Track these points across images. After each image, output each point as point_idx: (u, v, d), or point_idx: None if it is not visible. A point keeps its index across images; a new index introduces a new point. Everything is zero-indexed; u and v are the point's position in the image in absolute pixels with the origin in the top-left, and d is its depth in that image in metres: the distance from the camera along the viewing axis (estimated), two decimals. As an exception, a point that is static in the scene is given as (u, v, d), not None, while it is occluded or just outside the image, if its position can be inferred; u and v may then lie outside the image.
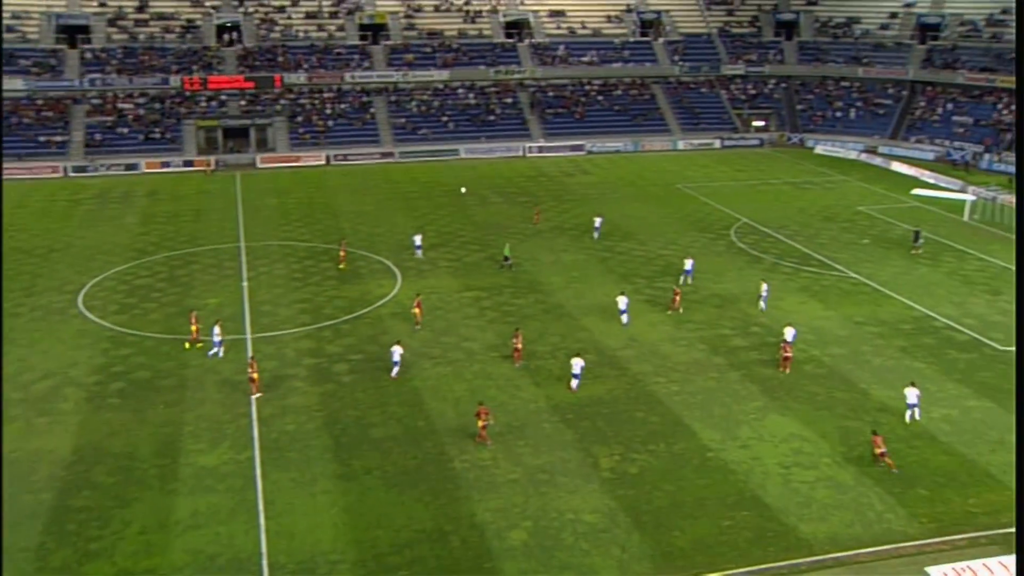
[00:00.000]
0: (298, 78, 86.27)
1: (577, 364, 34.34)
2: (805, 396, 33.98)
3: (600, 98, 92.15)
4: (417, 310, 40.53)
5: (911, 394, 32.37)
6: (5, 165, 71.28)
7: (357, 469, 28.62)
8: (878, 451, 29.03)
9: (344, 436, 30.71)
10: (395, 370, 35.33)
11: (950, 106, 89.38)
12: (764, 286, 43.44)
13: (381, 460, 29.16)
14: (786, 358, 36.39)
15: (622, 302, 41.30)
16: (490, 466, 28.79)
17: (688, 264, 47.18)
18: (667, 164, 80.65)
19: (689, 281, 46.37)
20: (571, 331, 40.19)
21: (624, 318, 41.03)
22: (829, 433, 31.06)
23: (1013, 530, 25.44)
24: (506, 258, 49.34)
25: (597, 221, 56.27)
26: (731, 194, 68.26)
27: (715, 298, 44.65)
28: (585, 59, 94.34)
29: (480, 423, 30.11)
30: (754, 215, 61.10)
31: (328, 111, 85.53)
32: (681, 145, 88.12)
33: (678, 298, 42.84)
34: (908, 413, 32.24)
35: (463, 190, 67.38)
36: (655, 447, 30.06)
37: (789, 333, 37.57)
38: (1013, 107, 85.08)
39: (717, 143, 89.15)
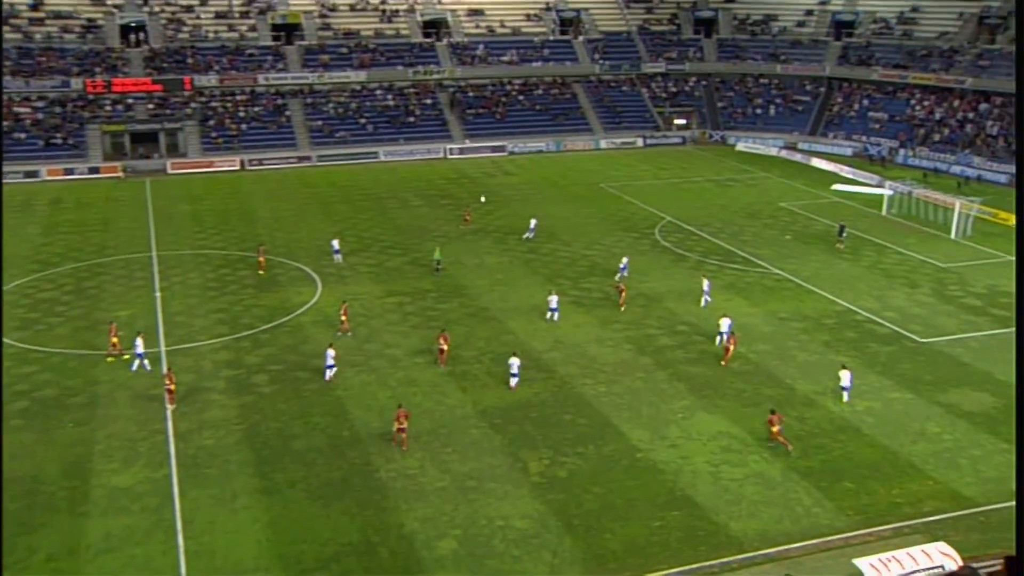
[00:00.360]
0: (209, 80, 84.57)
1: (514, 363, 34.78)
2: (732, 393, 34.66)
3: (521, 98, 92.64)
4: (344, 317, 40.23)
5: (845, 376, 34.22)
6: None
7: (280, 482, 28.18)
8: (774, 429, 30.34)
9: (265, 449, 30.21)
10: (328, 373, 35.21)
11: (866, 102, 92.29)
12: (705, 283, 44.33)
13: (305, 472, 28.77)
14: (727, 349, 37.40)
15: (552, 301, 41.77)
16: (417, 474, 28.66)
17: (623, 261, 48.13)
18: (590, 163, 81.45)
19: (625, 275, 46.99)
20: (497, 334, 40.27)
21: (554, 316, 41.47)
22: (757, 430, 31.72)
23: (936, 518, 26.42)
24: (438, 262, 49.28)
25: (532, 222, 56.62)
26: (655, 193, 69.27)
27: (641, 297, 45.23)
28: (505, 58, 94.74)
29: (396, 426, 30.13)
30: (678, 213, 62.12)
31: (241, 114, 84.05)
32: (603, 144, 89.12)
33: (623, 294, 43.59)
34: (845, 395, 34.00)
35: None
36: (584, 449, 30.30)
37: (725, 324, 38.66)
38: (925, 103, 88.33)
39: (639, 141, 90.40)
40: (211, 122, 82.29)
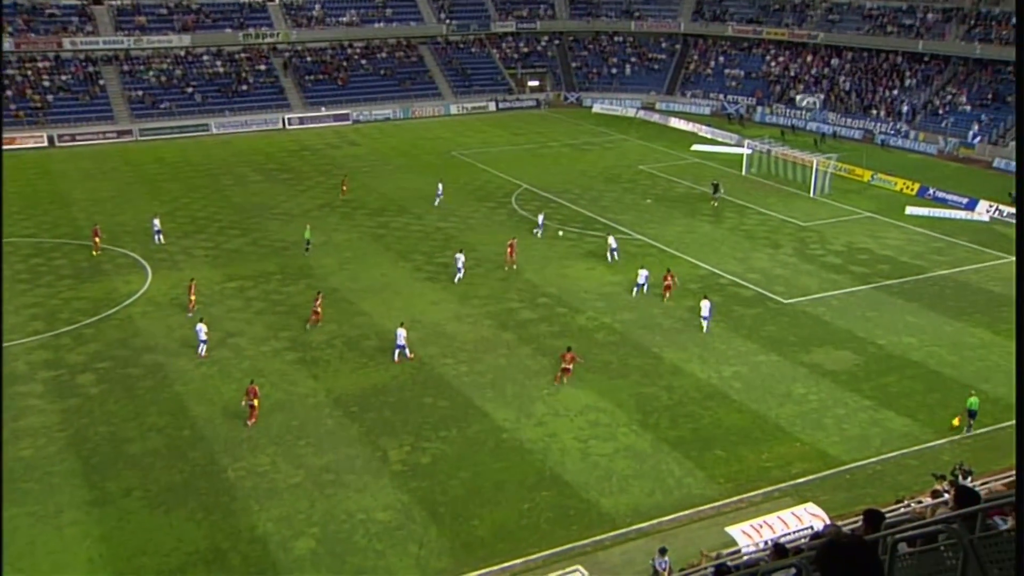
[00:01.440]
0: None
1: (400, 334, 35.58)
2: (599, 365, 35.47)
3: (364, 62, 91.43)
4: (192, 296, 39.68)
5: (705, 306, 38.22)
6: None
7: (113, 492, 27.08)
8: (563, 366, 33.56)
9: (95, 456, 28.95)
10: (202, 348, 35.71)
11: (722, 59, 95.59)
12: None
13: (142, 478, 27.75)
14: (667, 287, 41.31)
15: (459, 260, 43.83)
16: (269, 471, 28.11)
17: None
18: (440, 130, 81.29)
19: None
20: (348, 316, 39.85)
21: (460, 275, 43.69)
22: (625, 402, 32.61)
23: (804, 480, 27.88)
24: (308, 242, 48.49)
25: (439, 187, 57.78)
26: (510, 159, 69.80)
27: (500, 270, 45.60)
28: (344, 19, 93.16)
29: (245, 401, 30.70)
30: (535, 180, 62.85)
31: (46, 83, 79.58)
32: (454, 109, 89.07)
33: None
34: (704, 325, 37.86)
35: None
36: (447, 433, 30.43)
37: (642, 275, 42.21)
38: (781, 58, 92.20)
39: (492, 106, 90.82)
40: (9, 93, 77.46)
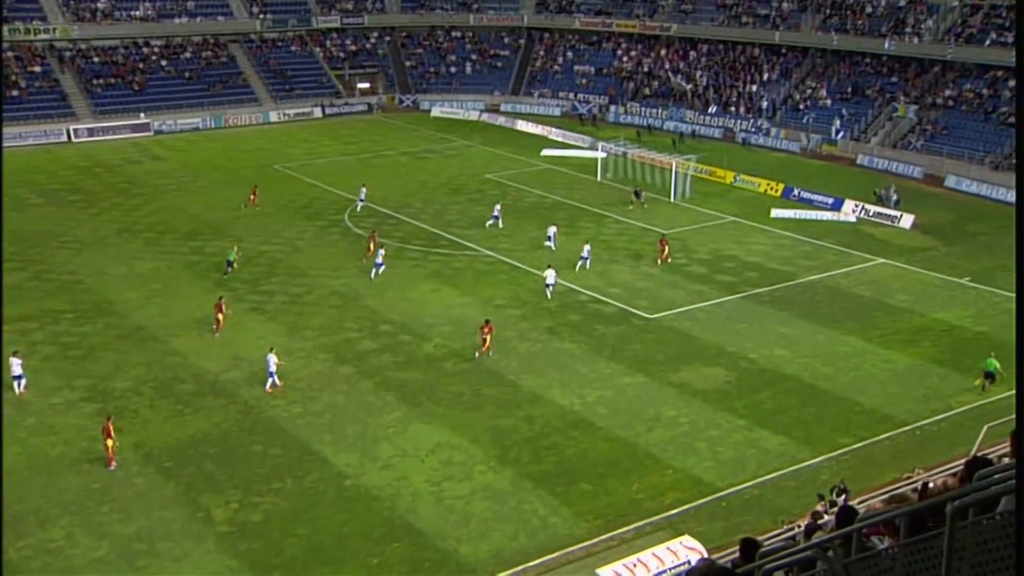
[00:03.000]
0: None
1: (271, 360, 35.84)
2: (449, 398, 35.53)
3: (164, 63, 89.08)
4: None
5: (550, 274, 44.01)
6: None
7: None
8: (483, 337, 37.35)
9: None
10: (21, 384, 35.56)
11: (570, 55, 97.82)
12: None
13: (-91, 565, 26.06)
14: (663, 253, 48.81)
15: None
16: (63, 547, 26.84)
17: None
18: (259, 141, 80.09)
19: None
20: (159, 357, 38.63)
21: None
22: (480, 436, 32.76)
23: (678, 510, 28.63)
24: (229, 262, 47.77)
25: (362, 191, 59.61)
26: (341, 171, 69.36)
27: (334, 296, 45.19)
28: (137, 13, 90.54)
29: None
30: (370, 194, 62.57)
31: None
32: (274, 117, 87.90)
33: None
34: (548, 292, 43.32)
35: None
36: (281, 485, 29.84)
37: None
38: (633, 53, 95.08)
39: (317, 112, 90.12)
40: None
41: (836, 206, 59.98)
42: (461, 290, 46.26)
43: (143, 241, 53.49)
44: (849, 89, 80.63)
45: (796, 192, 62.77)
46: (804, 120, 79.57)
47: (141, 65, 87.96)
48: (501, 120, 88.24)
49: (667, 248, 49.98)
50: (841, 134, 76.43)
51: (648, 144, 74.00)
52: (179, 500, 29.09)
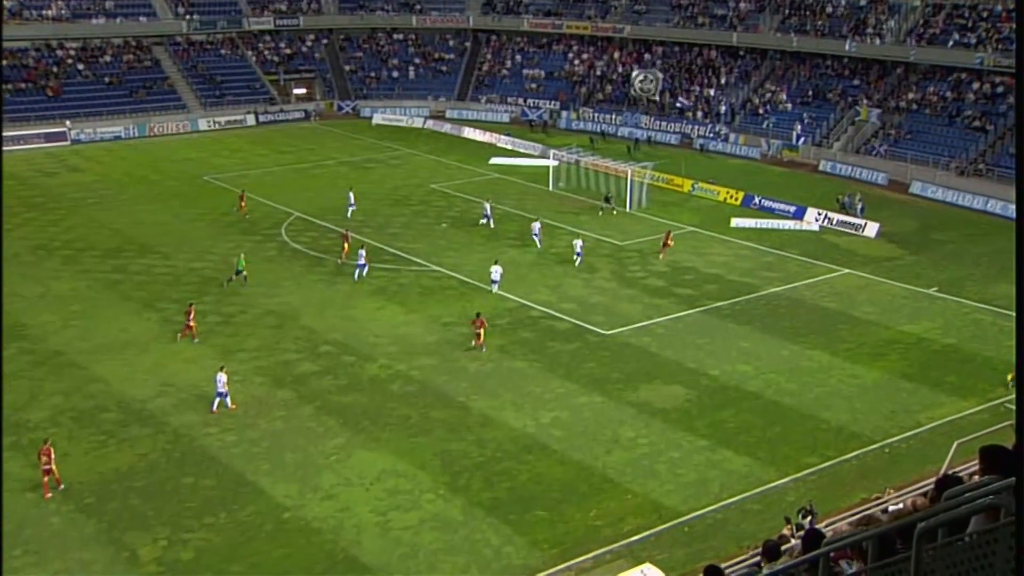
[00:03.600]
0: None
1: (220, 380, 35.74)
2: (396, 422, 35.39)
3: (81, 67, 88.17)
4: None
5: (495, 271, 46.53)
6: None
7: None
8: (476, 332, 40.94)
9: None
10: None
11: (519, 58, 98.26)
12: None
13: None
14: (666, 244, 52.56)
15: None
16: (-18, 590, 26.37)
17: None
18: (187, 151, 79.50)
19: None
20: (79, 385, 38.07)
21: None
22: (429, 463, 32.66)
23: (639, 537, 28.73)
24: (238, 271, 48.43)
25: (351, 196, 61.06)
26: (277, 183, 69.04)
27: (271, 316, 44.88)
28: (50, 12, 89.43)
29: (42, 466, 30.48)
30: (309, 207, 62.39)
31: None
32: (203, 125, 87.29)
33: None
34: (494, 287, 46.37)
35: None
36: (214, 519, 29.51)
37: (577, 245, 52.05)
38: (585, 55, 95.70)
39: (250, 119, 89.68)
40: None
41: (798, 214, 60.75)
42: (407, 307, 46.17)
43: (60, 259, 52.78)
44: (810, 92, 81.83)
45: (757, 200, 63.48)
46: (764, 125, 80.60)
47: (55, 69, 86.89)
48: (447, 127, 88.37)
49: (670, 242, 53.81)
50: (802, 139, 77.51)
51: (602, 151, 74.47)
52: (101, 539, 28.64)
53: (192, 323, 41.81)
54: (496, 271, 47.63)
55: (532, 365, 39.95)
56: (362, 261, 49.37)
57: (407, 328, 43.72)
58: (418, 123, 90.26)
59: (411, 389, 38.06)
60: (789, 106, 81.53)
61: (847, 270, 51.65)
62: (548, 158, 71.50)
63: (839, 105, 79.09)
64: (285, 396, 37.41)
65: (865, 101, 77.83)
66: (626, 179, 64.13)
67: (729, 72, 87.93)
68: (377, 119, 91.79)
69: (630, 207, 62.43)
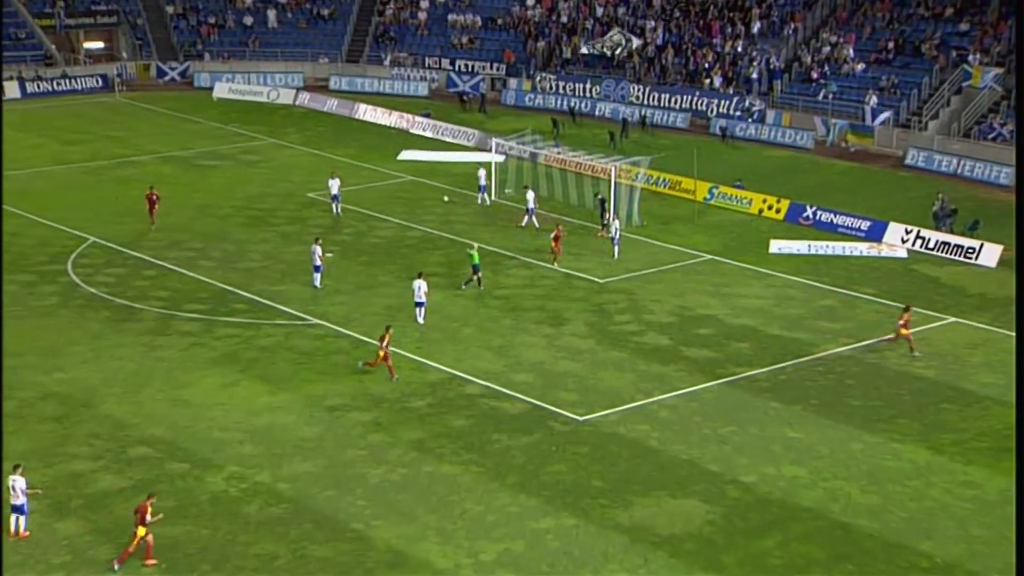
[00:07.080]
0: None
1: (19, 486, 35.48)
2: (254, 564, 34.76)
3: None
4: None
5: (419, 288, 50.43)
6: None
7: None
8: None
9: None
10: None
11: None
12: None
13: None
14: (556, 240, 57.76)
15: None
16: None
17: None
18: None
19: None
20: None
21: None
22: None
23: None
24: (475, 267, 54.93)
25: (334, 186, 64.76)
26: (60, 190, 68.73)
27: (50, 401, 44.06)
28: None
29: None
30: (112, 229, 61.81)
31: None
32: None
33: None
34: (419, 313, 50.83)
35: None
36: None
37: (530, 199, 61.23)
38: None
39: (15, 90, 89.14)
40: None
41: (875, 233, 60.94)
42: (271, 383, 45.66)
43: None
44: (891, 45, 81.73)
45: (809, 212, 63.70)
46: (820, 96, 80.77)
47: None
48: (331, 104, 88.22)
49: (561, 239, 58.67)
50: (880, 118, 77.64)
51: (571, 140, 74.53)
52: None
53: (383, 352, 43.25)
54: (420, 286, 49.72)
55: (468, 470, 39.53)
56: (318, 263, 53.56)
57: (272, 416, 43.15)
58: (287, 98, 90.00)
59: (278, 512, 37.44)
60: (859, 66, 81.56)
61: (952, 318, 51.83)
62: (489, 151, 71.36)
63: (937, 63, 79.03)
64: (71, 530, 36.60)
65: (977, 57, 77.65)
66: (608, 181, 64.05)
67: (765, 15, 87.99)
68: (221, 91, 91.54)
69: (613, 224, 61.97)
